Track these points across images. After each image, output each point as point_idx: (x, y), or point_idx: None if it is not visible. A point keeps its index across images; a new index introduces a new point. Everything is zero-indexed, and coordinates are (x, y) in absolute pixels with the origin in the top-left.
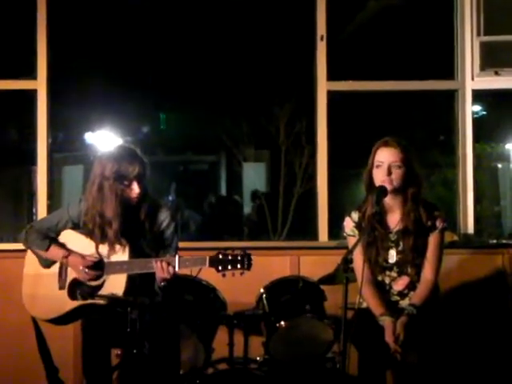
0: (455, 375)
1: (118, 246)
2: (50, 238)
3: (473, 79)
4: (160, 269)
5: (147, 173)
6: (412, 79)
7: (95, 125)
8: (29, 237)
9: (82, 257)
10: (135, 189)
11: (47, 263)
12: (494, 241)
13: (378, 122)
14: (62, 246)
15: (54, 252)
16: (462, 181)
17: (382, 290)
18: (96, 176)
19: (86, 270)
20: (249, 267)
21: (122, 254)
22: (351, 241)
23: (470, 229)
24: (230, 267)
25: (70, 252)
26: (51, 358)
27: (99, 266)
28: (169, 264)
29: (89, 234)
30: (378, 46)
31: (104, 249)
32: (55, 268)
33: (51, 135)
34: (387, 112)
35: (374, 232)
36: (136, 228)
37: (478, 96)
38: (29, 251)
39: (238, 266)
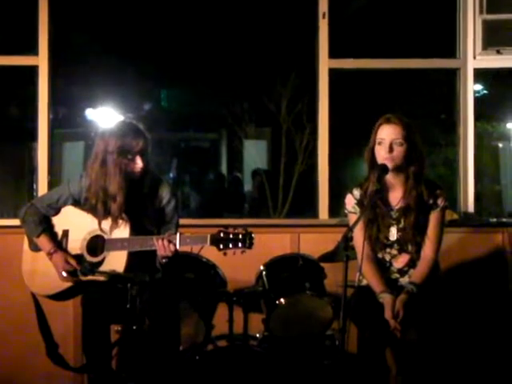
0: (454, 353)
1: (120, 221)
2: (46, 224)
3: (475, 58)
4: (161, 246)
5: (149, 148)
6: (414, 57)
7: (96, 101)
8: (26, 217)
9: (66, 260)
10: (139, 163)
11: (36, 249)
12: (494, 219)
13: (379, 100)
14: (53, 237)
15: (43, 242)
16: (462, 160)
17: (382, 268)
18: (99, 151)
19: (65, 275)
20: (250, 246)
21: (123, 229)
22: (352, 218)
23: (471, 207)
24: (231, 246)
25: (56, 249)
26: (51, 333)
27: (98, 244)
28: (170, 241)
29: (91, 209)
30: (380, 24)
31: (106, 224)
32: None
33: (52, 111)
34: (389, 90)
35: (376, 209)
36: (137, 203)
37: (480, 75)
38: None
39: (240, 244)
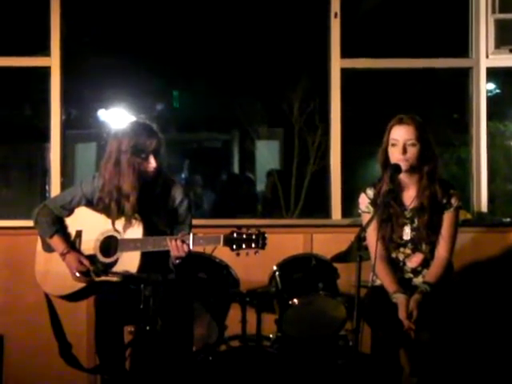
0: (468, 353)
1: (133, 221)
2: (59, 224)
3: (487, 57)
4: (174, 247)
5: (163, 148)
6: (426, 57)
7: (108, 102)
8: (39, 218)
9: (79, 260)
10: (152, 162)
11: (49, 249)
12: (508, 219)
13: (391, 99)
14: (67, 238)
15: (56, 243)
16: (475, 159)
17: (395, 267)
18: (112, 151)
19: (78, 275)
20: (263, 246)
21: (137, 229)
22: (366, 217)
23: (484, 207)
24: (244, 246)
25: (69, 250)
26: (64, 334)
27: (112, 246)
28: (183, 242)
29: (104, 210)
30: (392, 24)
31: (120, 224)
32: None
33: (64, 112)
34: (401, 90)
35: (389, 209)
36: (150, 204)
37: (493, 74)
38: None
39: (253, 245)
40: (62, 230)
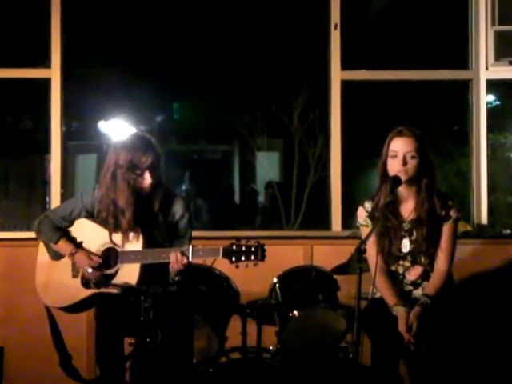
0: (468, 366)
1: (131, 235)
2: (62, 230)
3: (487, 69)
4: (174, 259)
5: (161, 163)
6: (426, 69)
7: (109, 114)
8: (41, 227)
9: (89, 256)
10: (147, 178)
11: (56, 256)
12: (508, 231)
13: (391, 111)
14: (73, 240)
15: (63, 246)
16: (475, 171)
17: (395, 280)
18: (110, 164)
19: (90, 271)
20: (262, 258)
21: (136, 243)
22: (364, 231)
23: (484, 219)
24: (243, 258)
25: (77, 249)
26: (65, 345)
27: (110, 258)
28: (182, 254)
29: (103, 222)
30: (392, 35)
31: (117, 237)
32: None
33: (65, 124)
34: (401, 102)
35: (387, 222)
36: (149, 218)
37: (492, 86)
38: None
39: (252, 257)
40: (65, 234)
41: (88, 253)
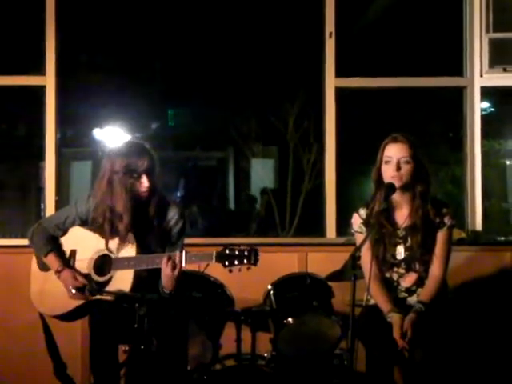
0: (462, 372)
1: (127, 241)
2: (53, 243)
3: (481, 76)
4: (167, 264)
5: (156, 167)
6: (420, 76)
7: (104, 121)
8: (34, 237)
9: (75, 277)
10: (144, 182)
11: (44, 268)
12: (502, 238)
13: (386, 118)
14: (62, 256)
15: (51, 261)
16: (470, 178)
17: (389, 287)
18: (105, 171)
19: (73, 292)
20: (255, 263)
21: (130, 249)
22: (359, 238)
23: (478, 226)
24: (236, 262)
25: (64, 267)
26: (59, 354)
27: (105, 265)
28: (176, 259)
29: (98, 229)
30: (387, 43)
31: (113, 244)
32: None
33: (59, 131)
34: (395, 109)
35: (382, 229)
36: (144, 224)
37: (487, 93)
38: None
39: (245, 261)
40: (56, 248)
41: (74, 273)
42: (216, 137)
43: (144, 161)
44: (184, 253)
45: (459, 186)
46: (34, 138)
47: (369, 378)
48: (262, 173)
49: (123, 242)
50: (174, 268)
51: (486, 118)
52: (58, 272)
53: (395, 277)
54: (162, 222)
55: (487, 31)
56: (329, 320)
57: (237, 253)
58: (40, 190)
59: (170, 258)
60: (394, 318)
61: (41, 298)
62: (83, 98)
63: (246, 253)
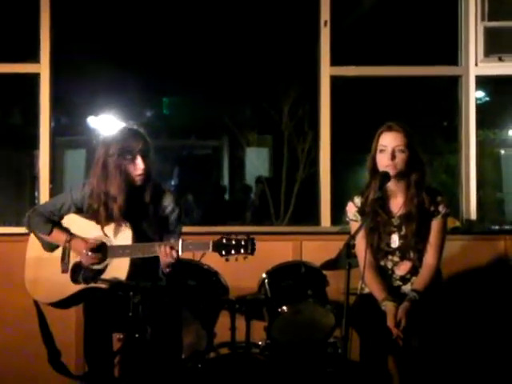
0: (457, 360)
1: (123, 227)
2: (53, 221)
3: (476, 65)
4: (163, 253)
5: (151, 152)
6: (415, 65)
7: (98, 109)
8: (31, 220)
9: (85, 241)
10: (139, 164)
11: (51, 247)
12: (497, 227)
13: (380, 107)
14: (65, 229)
15: (57, 236)
16: (464, 167)
17: (384, 275)
18: (100, 157)
19: (89, 253)
20: (252, 252)
21: (126, 235)
22: (353, 226)
23: (473, 215)
24: (233, 252)
25: (72, 236)
26: (53, 341)
27: (102, 250)
28: (172, 248)
29: (94, 216)
30: (382, 32)
31: (109, 230)
32: (58, 252)
33: (54, 119)
34: (390, 97)
35: (377, 217)
36: (140, 210)
37: (482, 82)
38: (32, 235)
39: (242, 250)
40: (58, 223)
41: (83, 238)
42: (211, 126)
43: (139, 143)
44: (180, 241)
45: (453, 176)
46: (28, 126)
47: (363, 367)
48: (257, 161)
49: (119, 226)
50: (170, 256)
51: (480, 108)
52: (67, 242)
53: (390, 265)
54: (157, 209)
55: (482, 20)
56: (323, 308)
57: (234, 242)
58: (34, 179)
59: (166, 247)
60: (388, 306)
61: (35, 286)
62: (77, 86)
63: (242, 242)
